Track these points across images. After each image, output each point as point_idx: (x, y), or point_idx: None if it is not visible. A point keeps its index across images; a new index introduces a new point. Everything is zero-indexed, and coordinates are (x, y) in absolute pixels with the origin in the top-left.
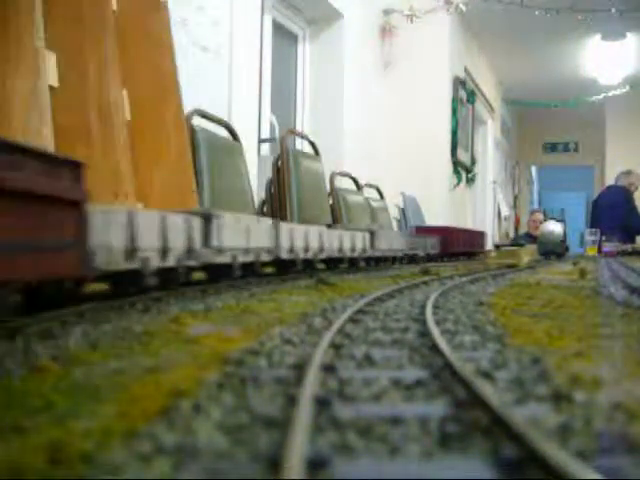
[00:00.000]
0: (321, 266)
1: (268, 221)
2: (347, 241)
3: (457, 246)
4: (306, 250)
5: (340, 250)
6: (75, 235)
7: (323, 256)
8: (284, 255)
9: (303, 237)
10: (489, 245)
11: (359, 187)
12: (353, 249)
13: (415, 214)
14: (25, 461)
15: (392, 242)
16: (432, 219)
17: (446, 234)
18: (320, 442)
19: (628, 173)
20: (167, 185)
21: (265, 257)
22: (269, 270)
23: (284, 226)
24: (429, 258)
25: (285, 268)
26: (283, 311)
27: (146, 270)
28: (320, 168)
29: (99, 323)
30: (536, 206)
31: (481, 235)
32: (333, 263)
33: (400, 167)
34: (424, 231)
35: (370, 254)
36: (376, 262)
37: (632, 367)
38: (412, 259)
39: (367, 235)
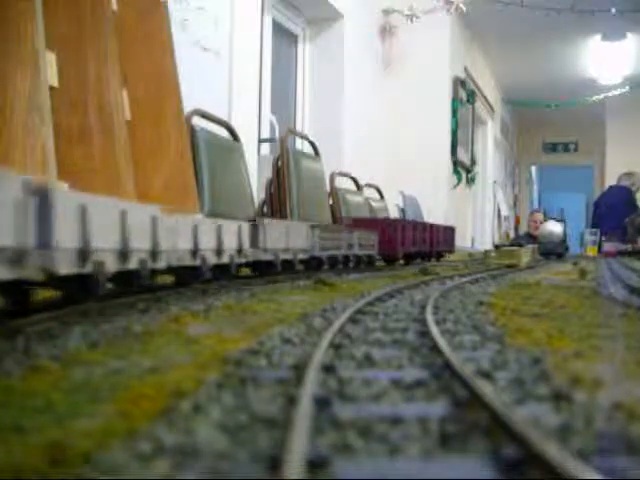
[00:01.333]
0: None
1: (13, 183)
2: (209, 238)
3: (408, 245)
4: (124, 255)
5: (194, 253)
6: None
7: (160, 265)
8: (65, 268)
9: (118, 229)
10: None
11: (359, 187)
12: (219, 251)
13: (415, 214)
14: (25, 461)
15: (288, 239)
16: (432, 219)
17: (388, 229)
18: (320, 442)
19: (630, 174)
20: (167, 185)
21: (6, 274)
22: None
23: (67, 200)
24: (357, 262)
25: (85, 291)
26: (283, 311)
27: None
28: (320, 168)
29: (99, 323)
30: (536, 206)
31: (449, 231)
32: (184, 272)
33: (400, 167)
34: (356, 225)
35: (252, 257)
36: (261, 271)
37: (632, 367)
38: (331, 264)
39: (246, 228)
